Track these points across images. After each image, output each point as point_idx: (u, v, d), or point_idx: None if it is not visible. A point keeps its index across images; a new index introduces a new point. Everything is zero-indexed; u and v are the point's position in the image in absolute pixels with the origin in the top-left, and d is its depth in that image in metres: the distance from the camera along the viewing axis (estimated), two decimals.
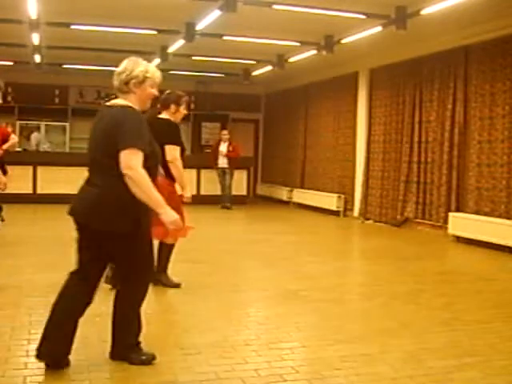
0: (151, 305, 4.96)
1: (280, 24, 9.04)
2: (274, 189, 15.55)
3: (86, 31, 9.63)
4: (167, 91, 5.36)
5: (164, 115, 5.31)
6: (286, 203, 14.53)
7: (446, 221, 9.25)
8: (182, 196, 5.29)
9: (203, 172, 13.83)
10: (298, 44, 10.40)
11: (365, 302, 5.35)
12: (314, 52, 10.59)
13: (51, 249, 7.40)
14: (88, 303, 3.45)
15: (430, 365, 3.62)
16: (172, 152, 5.14)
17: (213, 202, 13.05)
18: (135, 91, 3.39)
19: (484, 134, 8.72)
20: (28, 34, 9.67)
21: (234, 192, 13.51)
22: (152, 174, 3.31)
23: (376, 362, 3.66)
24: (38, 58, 12.15)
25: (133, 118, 3.30)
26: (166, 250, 5.37)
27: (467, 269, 7.27)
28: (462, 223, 8.79)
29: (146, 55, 12.05)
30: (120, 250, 3.37)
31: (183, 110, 5.37)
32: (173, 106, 5.30)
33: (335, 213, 12.38)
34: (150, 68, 3.46)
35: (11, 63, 12.78)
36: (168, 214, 3.23)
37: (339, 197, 12.38)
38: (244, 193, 14.38)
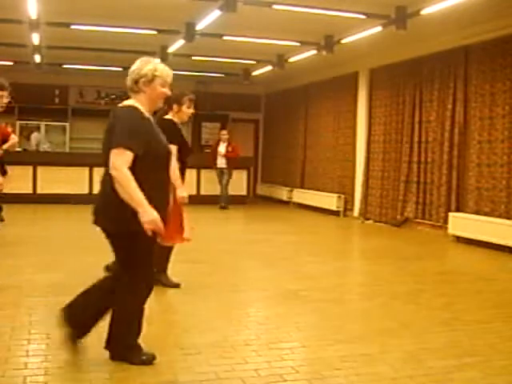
0: (151, 305, 4.95)
1: (280, 24, 9.04)
2: (274, 189, 15.55)
3: (86, 31, 9.63)
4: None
5: (169, 115, 5.30)
6: (286, 203, 14.53)
7: (445, 221, 9.25)
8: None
9: (203, 172, 13.83)
10: (298, 44, 10.40)
11: (365, 302, 5.35)
12: (314, 52, 10.60)
13: (51, 249, 7.40)
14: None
15: (429, 365, 3.62)
16: None
17: (213, 202, 13.05)
18: (145, 90, 3.41)
19: (484, 134, 8.72)
20: (28, 34, 9.67)
21: (233, 192, 13.50)
22: (159, 174, 3.34)
23: (376, 362, 3.66)
24: (38, 58, 12.16)
25: (127, 118, 3.31)
26: (166, 250, 5.36)
27: (467, 269, 7.27)
28: (461, 223, 8.79)
29: (146, 55, 12.09)
30: (119, 249, 3.41)
31: (186, 109, 5.34)
32: (175, 106, 5.29)
33: (335, 213, 12.38)
34: (160, 67, 3.44)
35: (11, 63, 12.79)
36: (146, 213, 3.15)
37: (339, 197, 12.38)
38: (244, 193, 14.38)
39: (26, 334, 4.00)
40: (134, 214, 3.18)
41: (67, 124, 15.39)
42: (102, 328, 4.20)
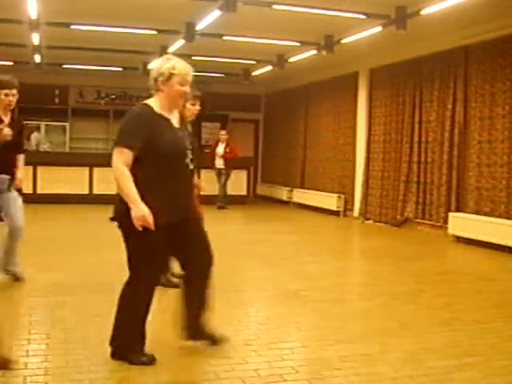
0: (151, 305, 4.96)
1: (280, 24, 9.04)
2: (274, 189, 15.55)
3: (86, 31, 9.63)
4: None
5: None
6: (286, 203, 14.53)
7: (446, 221, 9.25)
8: None
9: (203, 172, 13.81)
10: (298, 44, 10.40)
11: (365, 302, 5.35)
12: (314, 52, 10.60)
13: (51, 249, 7.40)
14: None
15: (430, 365, 3.62)
16: None
17: (212, 202, 13.05)
18: (163, 89, 3.40)
19: (484, 134, 8.72)
20: (28, 34, 9.67)
21: (233, 192, 13.50)
22: (167, 174, 3.33)
23: (376, 362, 3.66)
24: (38, 58, 12.16)
25: (131, 116, 3.35)
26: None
27: (467, 269, 7.27)
28: (461, 223, 8.79)
29: (146, 55, 12.11)
30: (126, 247, 3.42)
31: (191, 106, 5.31)
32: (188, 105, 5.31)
33: (335, 213, 12.38)
34: (178, 65, 3.41)
35: (11, 63, 12.79)
36: (137, 209, 3.20)
37: (339, 197, 12.38)
38: (244, 193, 14.38)
39: (26, 334, 4.00)
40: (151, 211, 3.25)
41: (67, 124, 15.40)
42: (103, 328, 4.21)
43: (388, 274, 6.59)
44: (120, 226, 3.38)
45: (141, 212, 3.20)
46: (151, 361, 3.47)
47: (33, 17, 8.56)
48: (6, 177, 5.19)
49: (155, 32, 9.70)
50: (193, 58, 11.63)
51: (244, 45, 10.55)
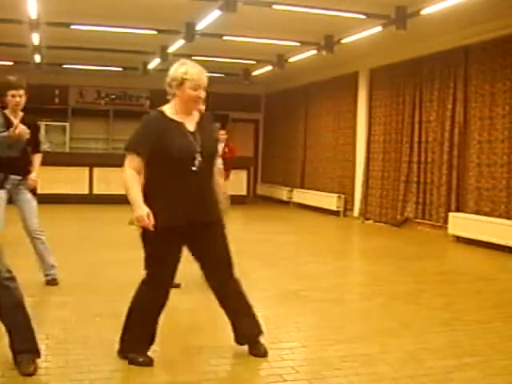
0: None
1: (280, 24, 9.04)
2: (274, 189, 15.55)
3: (86, 31, 9.62)
4: None
5: None
6: (286, 203, 14.53)
7: (446, 221, 9.25)
8: None
9: None
10: (298, 44, 10.40)
11: (365, 302, 5.35)
12: (314, 52, 10.59)
13: (51, 249, 7.37)
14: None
15: (430, 365, 3.62)
16: None
17: None
18: (177, 93, 3.44)
19: (484, 134, 8.72)
20: (28, 34, 9.67)
21: (233, 192, 13.41)
22: (175, 177, 3.36)
23: (376, 362, 3.66)
24: (38, 58, 12.15)
25: (141, 123, 3.46)
26: None
27: (467, 269, 7.27)
28: (461, 223, 8.79)
29: (146, 55, 12.12)
30: (142, 244, 3.51)
31: None
32: None
33: (335, 213, 12.38)
34: (191, 70, 3.42)
35: (11, 63, 12.79)
36: (136, 210, 3.30)
37: (339, 197, 12.38)
38: (244, 193, 14.37)
39: None
40: (158, 212, 3.30)
41: (67, 124, 15.38)
42: (103, 328, 4.21)
43: (388, 274, 6.59)
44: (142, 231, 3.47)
45: (139, 213, 3.27)
46: (148, 363, 3.46)
47: (33, 17, 8.56)
48: (18, 177, 5.19)
49: (155, 32, 9.70)
50: (193, 57, 11.57)
51: (244, 45, 10.54)
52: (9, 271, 3.32)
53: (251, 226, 11.66)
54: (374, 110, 11.60)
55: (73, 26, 9.32)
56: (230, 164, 13.47)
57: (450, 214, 9.07)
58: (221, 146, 13.37)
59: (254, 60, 12.47)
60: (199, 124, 3.53)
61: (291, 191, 14.50)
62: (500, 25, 8.23)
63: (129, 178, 3.32)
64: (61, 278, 5.67)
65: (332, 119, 13.08)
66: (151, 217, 3.27)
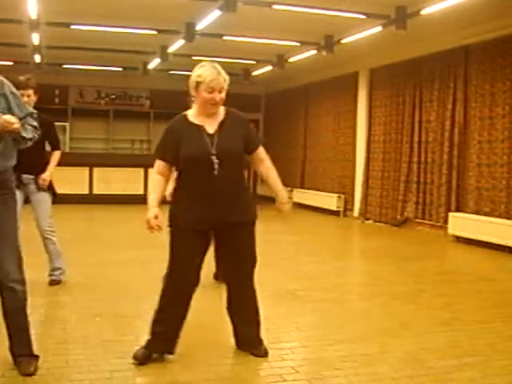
0: (152, 304, 4.96)
1: (280, 24, 9.04)
2: None
3: (86, 31, 9.63)
4: None
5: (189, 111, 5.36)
6: None
7: (446, 221, 9.25)
8: None
9: None
10: (298, 44, 10.40)
11: (365, 302, 5.35)
12: (314, 52, 10.60)
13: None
14: None
15: (430, 365, 3.62)
16: None
17: None
18: (196, 96, 3.49)
19: (484, 134, 8.72)
20: (28, 33, 9.67)
21: None
22: (193, 178, 3.45)
23: (376, 362, 3.66)
24: (38, 58, 12.16)
25: (165, 129, 3.59)
26: None
27: (467, 269, 7.27)
28: (461, 223, 8.79)
29: (146, 55, 12.12)
30: None
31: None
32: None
33: (335, 213, 12.38)
34: (205, 72, 3.42)
35: (11, 63, 12.79)
36: (147, 213, 3.44)
37: (339, 197, 12.38)
38: None
39: None
40: (173, 212, 3.50)
41: (67, 124, 15.38)
42: (103, 328, 4.21)
43: (388, 273, 6.59)
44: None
45: (146, 216, 3.43)
46: (141, 361, 3.47)
47: (33, 17, 8.56)
48: (30, 176, 5.19)
49: (155, 32, 9.70)
50: (193, 57, 11.66)
51: (244, 45, 10.55)
52: (20, 273, 3.29)
53: None
54: (374, 110, 11.60)
55: (73, 26, 9.32)
56: None
57: (450, 214, 9.07)
58: None
59: (254, 60, 12.47)
60: (222, 125, 3.52)
61: (291, 191, 14.49)
62: (500, 25, 8.23)
63: (152, 182, 3.59)
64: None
65: (332, 119, 13.08)
66: (159, 219, 3.41)
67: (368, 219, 11.50)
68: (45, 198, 5.29)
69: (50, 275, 5.44)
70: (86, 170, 12.96)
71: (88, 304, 4.85)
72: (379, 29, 8.66)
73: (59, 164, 5.45)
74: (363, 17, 8.25)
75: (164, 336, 3.54)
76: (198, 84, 3.43)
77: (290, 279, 6.11)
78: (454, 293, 5.70)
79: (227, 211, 3.49)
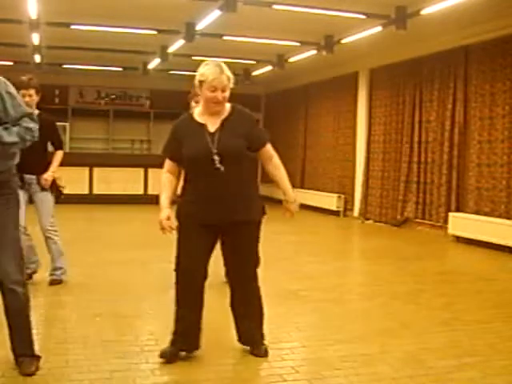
0: (152, 304, 4.97)
1: (280, 24, 9.04)
2: (274, 189, 15.45)
3: (86, 31, 9.63)
4: None
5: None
6: None
7: (446, 221, 9.25)
8: None
9: None
10: (298, 44, 10.40)
11: (365, 302, 5.35)
12: (314, 52, 10.60)
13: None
14: None
15: (430, 365, 3.62)
16: None
17: None
18: (201, 95, 3.51)
19: (484, 134, 8.72)
20: (28, 33, 9.67)
21: None
22: (195, 176, 3.50)
23: (376, 362, 3.66)
24: (38, 58, 12.16)
25: (171, 128, 3.63)
26: None
27: (467, 269, 7.27)
28: (461, 223, 8.79)
29: (146, 55, 12.11)
30: None
31: (193, 104, 5.33)
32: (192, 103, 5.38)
33: (335, 213, 12.38)
34: (207, 71, 3.43)
35: (11, 63, 12.80)
36: (159, 214, 3.49)
37: (339, 197, 12.38)
38: None
39: None
40: (180, 207, 3.56)
41: (67, 124, 15.38)
42: (103, 328, 4.21)
43: (388, 273, 6.59)
44: None
45: (159, 217, 3.48)
46: (168, 359, 3.51)
47: (33, 17, 8.56)
48: (33, 177, 5.20)
49: (155, 32, 9.70)
50: (193, 57, 11.67)
51: (244, 45, 10.55)
52: (20, 275, 3.28)
53: None
54: (374, 110, 11.60)
55: (73, 26, 9.33)
56: None
57: (450, 214, 9.07)
58: None
59: (254, 60, 12.48)
60: (224, 122, 3.50)
61: None
62: (500, 25, 8.23)
63: (162, 181, 3.60)
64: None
65: (332, 119, 13.08)
66: (171, 220, 3.47)
67: (368, 219, 11.50)
68: (47, 197, 5.29)
69: (51, 275, 5.45)
70: (86, 170, 12.96)
71: (88, 304, 4.85)
72: (379, 29, 8.66)
73: (60, 164, 5.45)
74: (363, 17, 8.25)
75: (185, 333, 3.57)
76: (200, 83, 3.44)
77: (290, 279, 6.11)
78: (454, 293, 5.70)
79: (230, 210, 3.50)
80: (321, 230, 10.93)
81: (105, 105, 15.96)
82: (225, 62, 3.53)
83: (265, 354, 3.66)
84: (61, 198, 5.46)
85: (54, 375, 3.29)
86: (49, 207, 5.33)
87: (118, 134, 16.00)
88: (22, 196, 5.15)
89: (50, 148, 5.47)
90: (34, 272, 5.48)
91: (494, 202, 8.48)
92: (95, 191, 13.05)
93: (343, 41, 9.66)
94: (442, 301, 5.32)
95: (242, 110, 3.62)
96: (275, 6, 7.84)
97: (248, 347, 3.74)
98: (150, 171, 13.02)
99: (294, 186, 14.90)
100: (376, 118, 11.50)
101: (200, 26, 8.98)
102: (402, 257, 7.85)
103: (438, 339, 4.14)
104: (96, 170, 13.11)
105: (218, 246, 3.69)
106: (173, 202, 3.59)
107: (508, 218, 8.11)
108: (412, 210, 10.20)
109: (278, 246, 8.34)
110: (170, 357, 3.51)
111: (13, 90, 3.27)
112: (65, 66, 13.55)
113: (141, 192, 13.13)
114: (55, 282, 5.40)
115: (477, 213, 8.69)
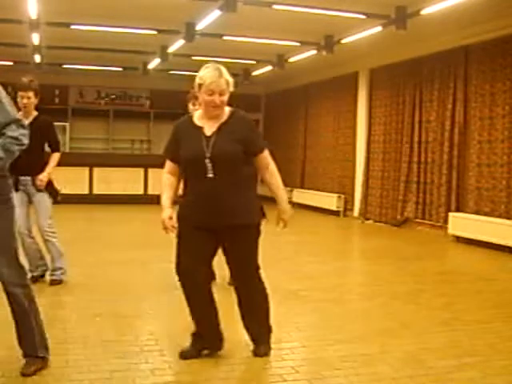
0: (152, 304, 4.97)
1: (280, 24, 9.04)
2: None
3: (86, 31, 9.63)
4: None
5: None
6: None
7: (446, 221, 9.25)
8: None
9: None
10: (298, 44, 10.40)
11: (365, 302, 5.35)
12: (314, 52, 10.60)
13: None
14: None
15: (430, 365, 3.62)
16: None
17: None
18: (200, 97, 3.52)
19: (484, 134, 8.72)
20: (28, 33, 9.67)
21: None
22: (192, 179, 3.52)
23: (376, 362, 3.66)
24: (38, 58, 12.16)
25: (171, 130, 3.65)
26: None
27: (467, 269, 7.27)
28: (461, 223, 8.79)
29: (146, 55, 12.11)
30: None
31: (191, 106, 5.31)
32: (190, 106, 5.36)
33: (335, 213, 12.38)
34: (205, 74, 3.41)
35: (11, 63, 12.80)
36: (162, 214, 3.52)
37: (339, 197, 12.38)
38: None
39: None
40: (179, 209, 3.57)
41: (67, 124, 15.40)
42: (103, 328, 4.21)
43: (388, 273, 6.59)
44: None
45: (161, 217, 3.51)
46: (184, 356, 3.57)
47: (33, 17, 8.56)
48: (28, 178, 5.19)
49: (155, 32, 9.70)
50: (193, 57, 11.67)
51: (244, 45, 10.55)
52: (18, 277, 3.27)
53: None
54: (374, 110, 11.60)
55: (73, 26, 9.33)
56: None
57: (450, 214, 9.07)
58: None
59: (254, 60, 12.48)
60: (221, 126, 3.47)
61: (291, 191, 14.49)
62: (500, 25, 8.23)
63: (163, 181, 3.62)
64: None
65: (332, 119, 13.08)
66: (173, 220, 3.49)
67: (368, 219, 11.50)
68: (44, 198, 5.28)
69: (51, 275, 5.45)
70: (86, 170, 12.96)
71: (88, 304, 4.85)
72: (379, 29, 8.66)
73: (59, 164, 5.43)
74: (363, 17, 8.25)
75: (203, 333, 3.62)
76: (199, 86, 3.43)
77: (290, 279, 6.11)
78: (454, 293, 5.70)
79: (226, 213, 3.48)
80: (321, 230, 10.93)
81: (105, 105, 15.96)
82: (225, 62, 3.52)
83: (264, 354, 3.65)
84: (57, 200, 5.44)
85: (54, 375, 3.29)
86: (46, 208, 5.32)
87: (117, 134, 16.00)
88: (21, 198, 5.15)
89: (47, 149, 5.45)
90: (42, 275, 5.47)
91: (493, 202, 8.48)
92: (95, 191, 13.05)
93: (343, 41, 9.66)
94: (442, 301, 5.32)
95: (242, 115, 3.58)
96: (275, 6, 7.84)
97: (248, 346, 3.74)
98: (150, 171, 13.03)
99: (293, 186, 14.87)
100: (376, 118, 11.50)
101: (200, 26, 8.98)
102: (401, 257, 7.85)
103: (438, 339, 4.14)
104: (96, 170, 13.11)
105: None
106: (174, 202, 3.59)
107: (508, 218, 8.11)
108: (412, 209, 10.20)
109: (278, 246, 8.33)
110: (189, 358, 3.56)
111: (4, 95, 3.16)
112: (65, 66, 13.55)
113: (141, 192, 13.13)
114: (55, 283, 5.40)
115: (477, 213, 8.69)
